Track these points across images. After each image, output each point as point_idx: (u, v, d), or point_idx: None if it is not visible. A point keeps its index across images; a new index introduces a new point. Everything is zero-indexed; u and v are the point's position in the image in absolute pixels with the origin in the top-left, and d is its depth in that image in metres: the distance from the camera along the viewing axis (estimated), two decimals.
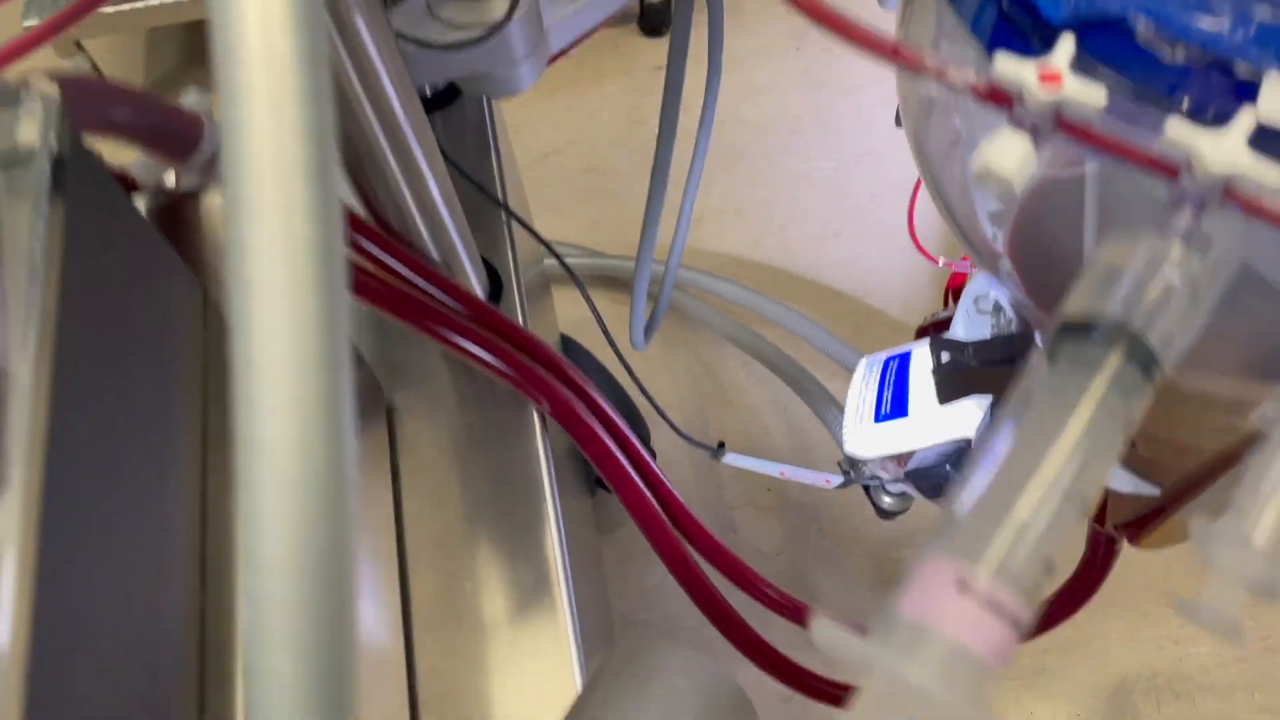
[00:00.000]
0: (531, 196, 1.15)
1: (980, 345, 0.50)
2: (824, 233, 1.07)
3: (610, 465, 0.55)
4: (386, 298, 0.49)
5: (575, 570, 0.50)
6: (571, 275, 0.65)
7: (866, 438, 0.64)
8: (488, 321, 0.52)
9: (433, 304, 0.50)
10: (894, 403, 0.63)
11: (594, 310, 0.68)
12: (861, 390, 0.67)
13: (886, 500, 0.74)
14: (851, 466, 0.79)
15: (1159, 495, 0.42)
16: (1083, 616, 0.89)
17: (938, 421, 0.60)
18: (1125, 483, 0.42)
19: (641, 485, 0.56)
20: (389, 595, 0.46)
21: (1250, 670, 0.85)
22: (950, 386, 0.49)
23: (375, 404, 0.51)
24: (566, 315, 1.05)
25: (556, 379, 0.53)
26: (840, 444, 0.78)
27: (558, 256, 0.66)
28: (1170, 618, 0.87)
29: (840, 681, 0.68)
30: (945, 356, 0.49)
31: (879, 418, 0.64)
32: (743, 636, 0.63)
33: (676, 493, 0.60)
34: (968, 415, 0.59)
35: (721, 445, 0.64)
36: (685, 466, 0.97)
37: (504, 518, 0.50)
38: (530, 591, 0.48)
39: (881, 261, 1.06)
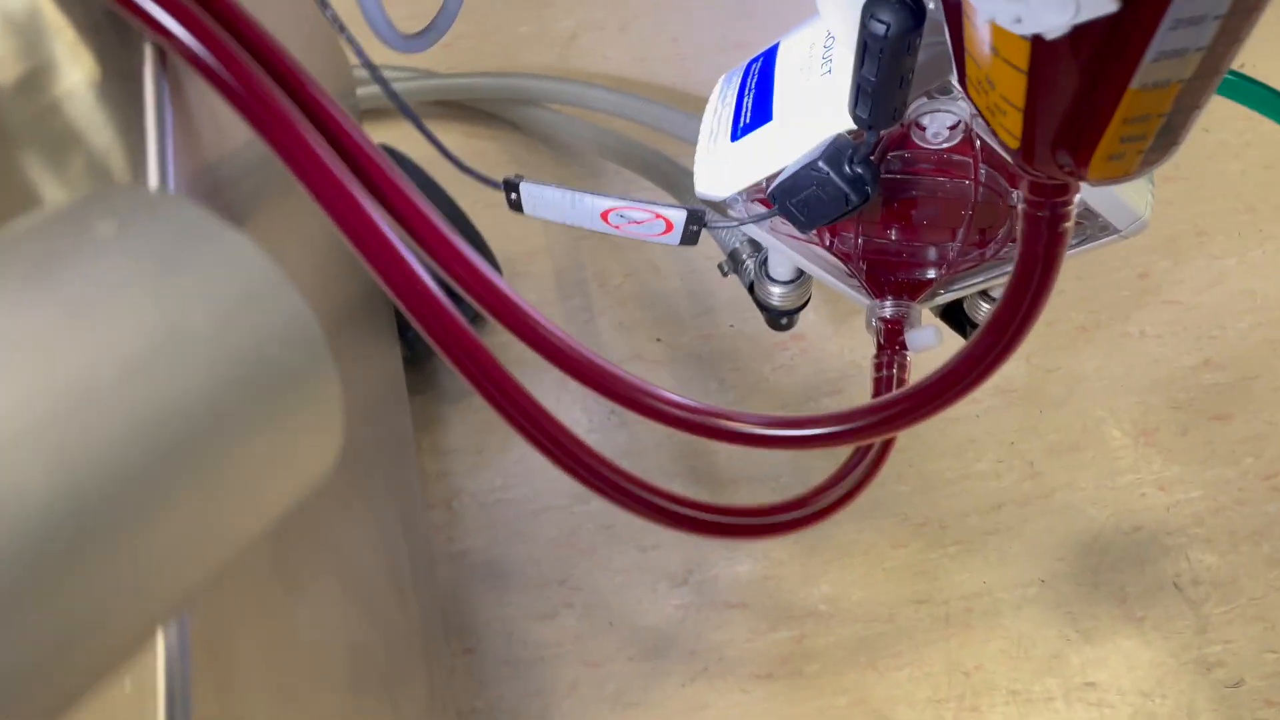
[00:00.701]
0: (362, 27, 0.96)
1: None
2: (724, 43, 0.89)
3: (317, 176, 0.36)
4: None
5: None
6: (390, 92, 0.46)
7: (721, 164, 0.47)
8: None
9: None
10: (755, 110, 0.46)
11: (424, 130, 0.49)
12: (717, 110, 0.49)
13: (775, 292, 0.56)
14: (733, 260, 0.61)
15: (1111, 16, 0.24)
16: (1041, 463, 0.71)
17: (808, 113, 0.43)
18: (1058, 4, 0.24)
19: (370, 209, 0.38)
20: None
21: (1254, 515, 0.68)
22: None
23: None
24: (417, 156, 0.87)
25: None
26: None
27: (372, 69, 0.47)
28: (1153, 460, 0.70)
29: (732, 508, 0.49)
30: None
31: (737, 133, 0.46)
32: (568, 450, 0.44)
33: (479, 266, 0.42)
34: (841, 102, 0.41)
35: (516, 179, 0.47)
36: (558, 320, 0.79)
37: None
38: None
39: None
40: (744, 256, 0.59)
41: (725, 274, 0.61)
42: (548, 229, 0.83)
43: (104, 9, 0.33)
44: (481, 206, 0.77)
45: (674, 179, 0.75)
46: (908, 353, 0.49)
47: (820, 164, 0.40)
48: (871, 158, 0.40)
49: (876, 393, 0.49)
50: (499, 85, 0.80)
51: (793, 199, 0.42)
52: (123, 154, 0.30)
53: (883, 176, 0.44)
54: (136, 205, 0.15)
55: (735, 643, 0.67)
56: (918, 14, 0.33)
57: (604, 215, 0.46)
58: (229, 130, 0.37)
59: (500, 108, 0.84)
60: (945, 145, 0.42)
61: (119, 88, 0.32)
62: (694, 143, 0.77)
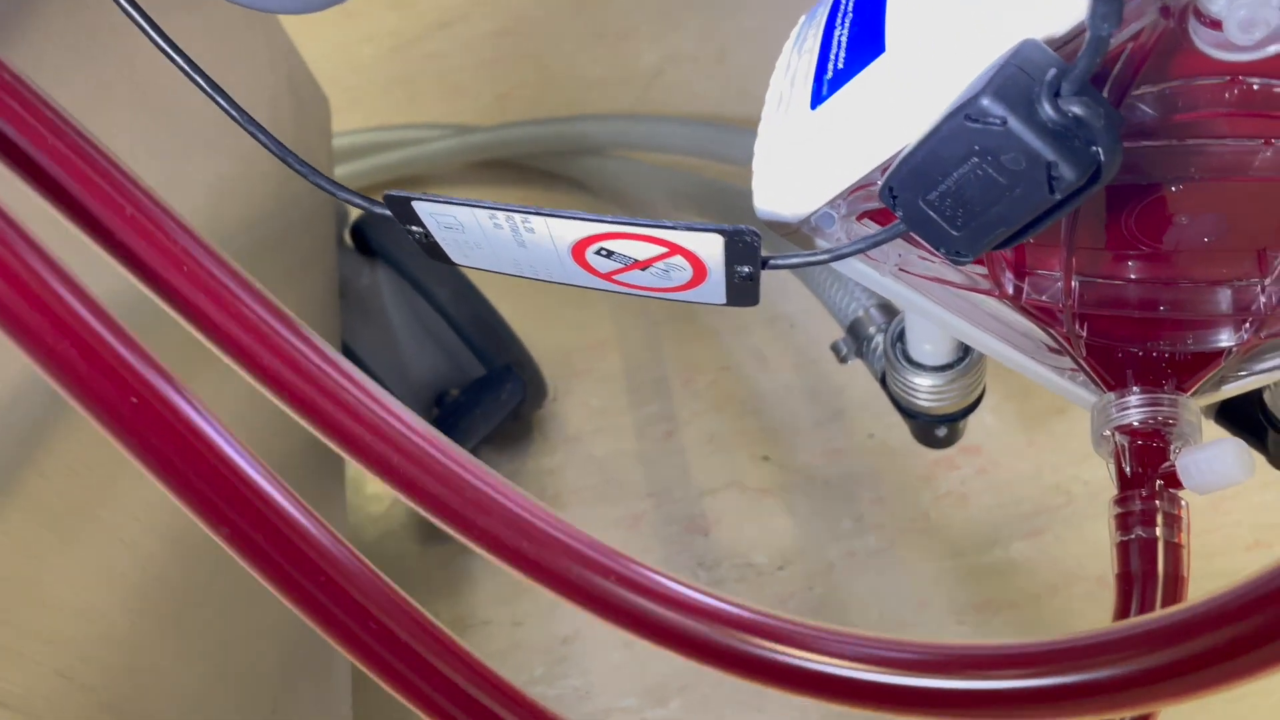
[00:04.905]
0: (424, 77, 0.81)
1: None
2: None
3: None
4: None
5: None
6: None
7: (796, 153, 0.25)
8: None
9: None
10: (855, 43, 0.24)
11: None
12: (790, 66, 0.28)
13: (920, 385, 0.34)
14: (853, 335, 0.38)
15: None
16: None
17: (955, 23, 0.21)
18: None
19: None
20: None
21: None
22: None
23: None
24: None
25: None
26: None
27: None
28: None
29: None
30: None
31: (822, 92, 0.25)
32: None
33: None
34: None
35: (403, 196, 0.26)
36: (627, 434, 0.58)
37: None
38: None
39: None
40: (869, 329, 0.37)
41: (843, 358, 0.39)
42: (617, 312, 0.62)
43: None
44: (531, 291, 0.59)
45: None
46: (1181, 494, 0.25)
47: (985, 101, 0.18)
48: (1099, 90, 0.18)
49: (1124, 573, 0.25)
50: (543, 134, 0.62)
51: (931, 192, 0.20)
52: None
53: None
54: None
55: None
56: None
57: (577, 252, 0.25)
58: None
59: (559, 164, 0.66)
60: (1269, 52, 0.19)
61: None
62: None
